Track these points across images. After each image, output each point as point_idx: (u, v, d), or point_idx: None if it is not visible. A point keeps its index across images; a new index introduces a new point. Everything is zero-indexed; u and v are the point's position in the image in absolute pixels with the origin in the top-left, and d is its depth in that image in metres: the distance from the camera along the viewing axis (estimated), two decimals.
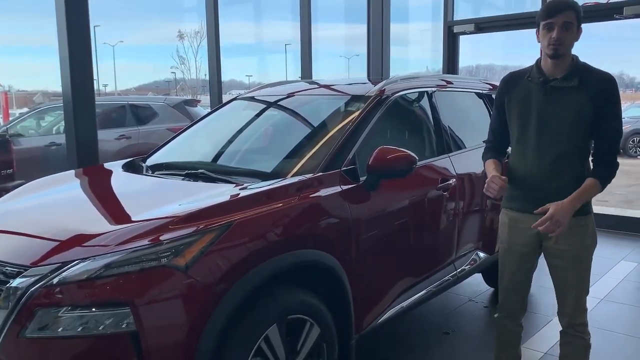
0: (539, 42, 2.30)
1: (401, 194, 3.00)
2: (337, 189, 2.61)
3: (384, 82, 3.26)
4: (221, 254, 2.08)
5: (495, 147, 2.60)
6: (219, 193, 2.42)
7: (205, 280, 2.01)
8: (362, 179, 2.73)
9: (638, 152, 14.42)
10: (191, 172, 2.79)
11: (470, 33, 7.18)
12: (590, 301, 4.11)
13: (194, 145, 3.54)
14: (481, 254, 3.75)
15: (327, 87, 3.53)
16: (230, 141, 3.35)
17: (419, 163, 2.79)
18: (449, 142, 3.49)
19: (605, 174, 2.32)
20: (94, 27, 32.57)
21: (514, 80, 2.46)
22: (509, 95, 2.46)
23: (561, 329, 2.56)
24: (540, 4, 6.55)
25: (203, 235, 2.06)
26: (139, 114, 8.18)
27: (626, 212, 6.99)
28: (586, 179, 2.31)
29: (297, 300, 2.32)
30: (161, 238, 2.02)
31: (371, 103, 3.03)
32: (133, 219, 2.27)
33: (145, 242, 2.01)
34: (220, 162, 3.18)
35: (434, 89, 3.58)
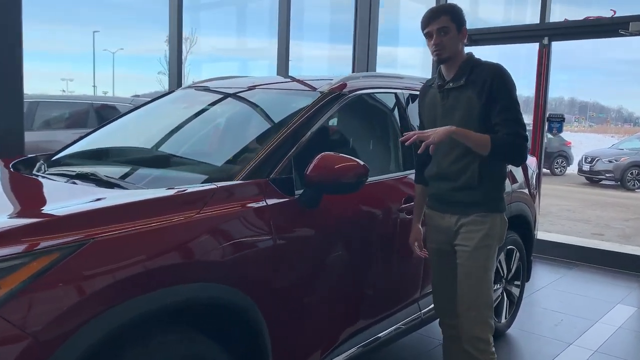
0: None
1: (349, 214, 2.40)
2: (260, 203, 2.00)
3: (344, 76, 2.69)
4: (63, 285, 1.45)
5: (422, 160, 2.54)
6: (91, 199, 1.81)
7: (30, 324, 1.39)
8: (299, 192, 2.13)
9: (636, 185, 13.85)
10: (81, 173, 2.18)
11: (465, 46, 6.66)
12: (581, 353, 3.56)
13: (107, 139, 2.93)
14: None
15: (276, 82, 2.94)
16: (148, 137, 2.74)
17: (380, 178, 2.44)
18: None
19: (502, 139, 2.24)
20: (93, 32, 32.11)
21: (425, 89, 2.55)
22: (421, 104, 2.56)
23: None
24: (539, 18, 6.05)
25: (35, 258, 1.44)
26: (103, 115, 7.67)
27: (624, 248, 6.47)
28: None
29: (185, 353, 1.69)
30: None
31: (322, 100, 2.45)
32: None
33: None
34: (126, 159, 2.56)
35: (405, 91, 2.99)
